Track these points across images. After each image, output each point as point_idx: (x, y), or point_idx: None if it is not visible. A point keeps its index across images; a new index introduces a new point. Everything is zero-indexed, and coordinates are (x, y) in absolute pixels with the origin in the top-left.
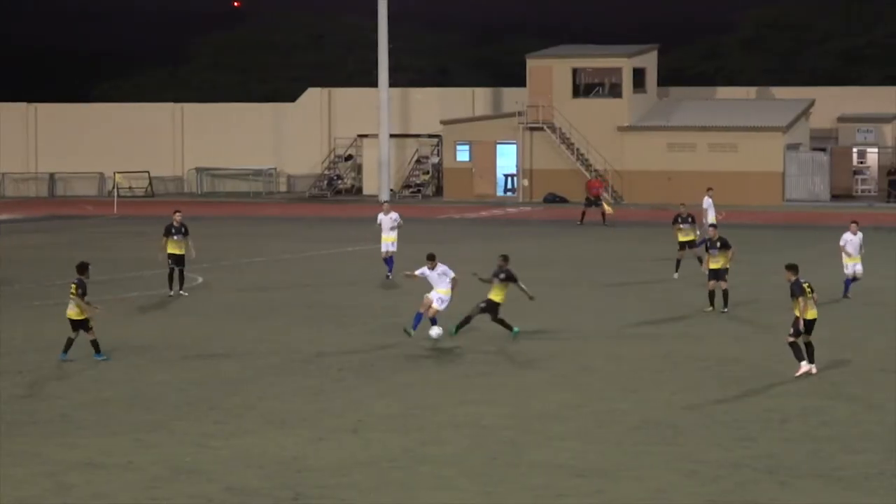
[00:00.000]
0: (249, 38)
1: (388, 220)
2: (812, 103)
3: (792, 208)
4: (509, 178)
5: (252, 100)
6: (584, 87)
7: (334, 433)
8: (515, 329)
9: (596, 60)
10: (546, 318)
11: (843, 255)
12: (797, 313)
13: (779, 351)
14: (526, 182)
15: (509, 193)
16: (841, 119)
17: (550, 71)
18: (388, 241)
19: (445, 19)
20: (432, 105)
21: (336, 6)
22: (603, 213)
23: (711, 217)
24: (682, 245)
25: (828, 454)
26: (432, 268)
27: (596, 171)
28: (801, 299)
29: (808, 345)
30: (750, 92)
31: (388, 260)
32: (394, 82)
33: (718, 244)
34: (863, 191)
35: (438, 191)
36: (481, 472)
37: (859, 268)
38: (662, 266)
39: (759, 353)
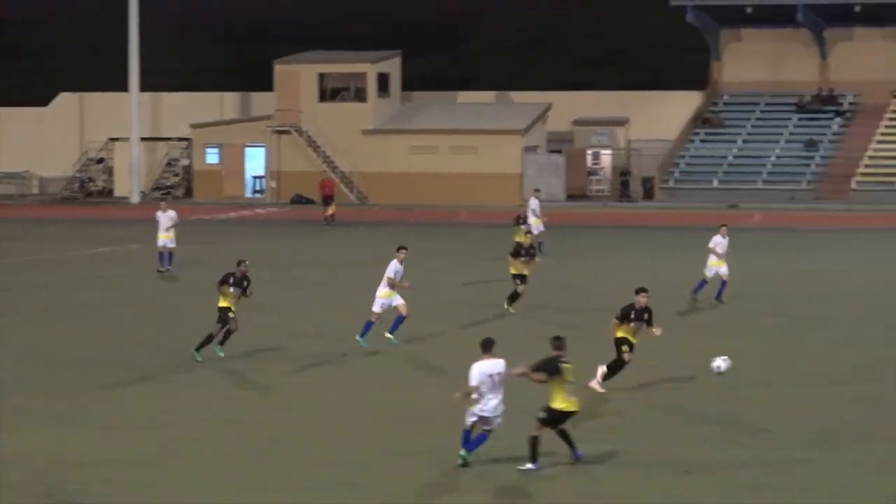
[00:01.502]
0: (5, 43)
1: (165, 217)
2: (549, 107)
3: None
4: (258, 180)
5: (9, 104)
6: (330, 92)
7: (98, 431)
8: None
9: (341, 66)
10: (311, 318)
11: (711, 256)
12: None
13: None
14: (274, 184)
15: (258, 195)
16: (576, 122)
17: (298, 76)
18: (166, 237)
19: (197, 24)
20: (183, 109)
21: (90, 12)
22: (329, 213)
23: (536, 218)
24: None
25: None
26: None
27: (341, 172)
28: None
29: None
30: (490, 96)
31: (166, 256)
32: (145, 87)
33: (532, 251)
34: (597, 191)
35: (188, 192)
36: (239, 466)
37: (724, 269)
38: (431, 265)
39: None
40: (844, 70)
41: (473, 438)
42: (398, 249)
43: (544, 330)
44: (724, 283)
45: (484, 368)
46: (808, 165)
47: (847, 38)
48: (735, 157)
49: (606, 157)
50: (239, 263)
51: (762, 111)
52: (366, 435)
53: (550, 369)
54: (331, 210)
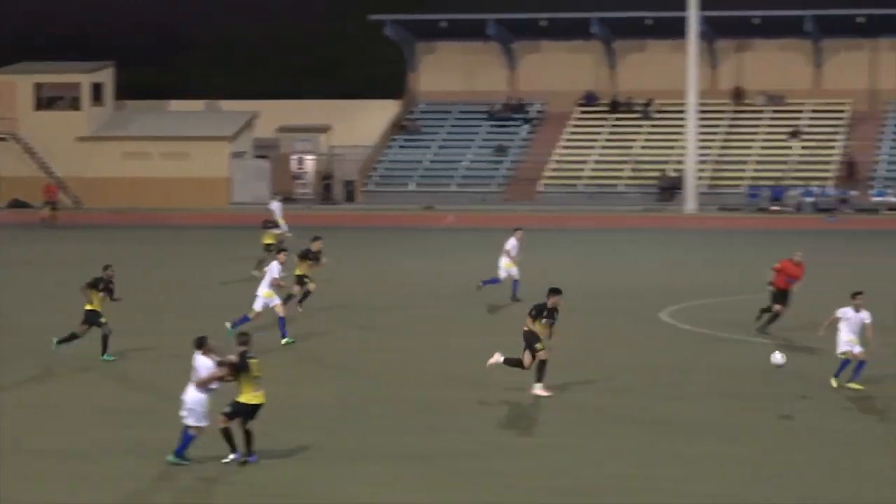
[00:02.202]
0: None
1: None
2: (255, 115)
3: (238, 210)
4: None
5: None
6: (46, 101)
7: None
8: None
9: (57, 76)
10: (38, 316)
11: (504, 258)
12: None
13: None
14: None
15: None
16: (281, 129)
17: (14, 85)
18: None
19: None
20: None
21: None
22: (50, 216)
23: (280, 218)
24: (269, 247)
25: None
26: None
27: (57, 177)
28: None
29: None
30: (199, 105)
31: None
32: None
33: (319, 255)
34: (302, 194)
35: None
36: None
37: (515, 270)
38: (179, 266)
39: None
40: (531, 80)
41: (181, 441)
42: (278, 252)
43: (332, 329)
44: (516, 282)
45: (196, 359)
46: (497, 169)
47: (534, 51)
48: (431, 161)
49: (310, 161)
50: (105, 268)
51: (456, 119)
52: (90, 429)
53: (239, 365)
54: (51, 212)
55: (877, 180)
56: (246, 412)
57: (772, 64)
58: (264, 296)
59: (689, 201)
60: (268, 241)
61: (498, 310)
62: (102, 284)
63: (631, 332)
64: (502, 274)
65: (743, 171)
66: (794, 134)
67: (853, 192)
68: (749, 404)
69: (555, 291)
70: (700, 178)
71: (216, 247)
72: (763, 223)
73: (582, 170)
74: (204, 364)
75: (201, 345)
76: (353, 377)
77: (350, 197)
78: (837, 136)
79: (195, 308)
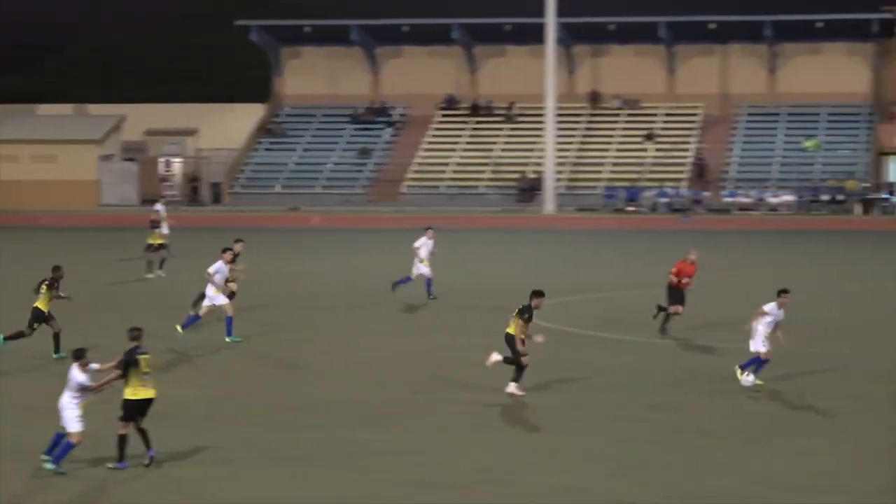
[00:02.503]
0: None
1: None
2: (123, 118)
3: (106, 212)
4: None
5: None
6: None
7: None
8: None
9: None
10: None
11: (417, 256)
12: None
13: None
14: None
15: None
16: (149, 133)
17: None
18: None
19: None
20: None
21: None
22: None
23: (162, 220)
24: (157, 246)
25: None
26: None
27: None
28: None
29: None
30: (68, 109)
31: None
32: None
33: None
34: (169, 196)
35: None
36: None
37: (426, 269)
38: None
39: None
40: (394, 84)
41: (60, 447)
42: (223, 251)
43: (213, 331)
44: (429, 280)
45: (71, 370)
46: (361, 171)
47: (396, 56)
48: (296, 164)
49: (177, 164)
50: (56, 269)
51: (320, 122)
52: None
53: (128, 360)
54: None
55: (728, 181)
56: (137, 409)
57: (627, 69)
58: (214, 293)
59: (548, 202)
60: (157, 240)
61: (414, 310)
62: (56, 284)
63: (491, 331)
64: (415, 272)
65: (600, 172)
66: (649, 137)
67: (706, 193)
68: (612, 399)
69: (539, 294)
70: (558, 179)
71: (94, 248)
72: (620, 223)
73: (444, 172)
74: (76, 377)
75: (78, 357)
76: (245, 378)
77: (217, 199)
78: (690, 139)
79: (93, 308)
